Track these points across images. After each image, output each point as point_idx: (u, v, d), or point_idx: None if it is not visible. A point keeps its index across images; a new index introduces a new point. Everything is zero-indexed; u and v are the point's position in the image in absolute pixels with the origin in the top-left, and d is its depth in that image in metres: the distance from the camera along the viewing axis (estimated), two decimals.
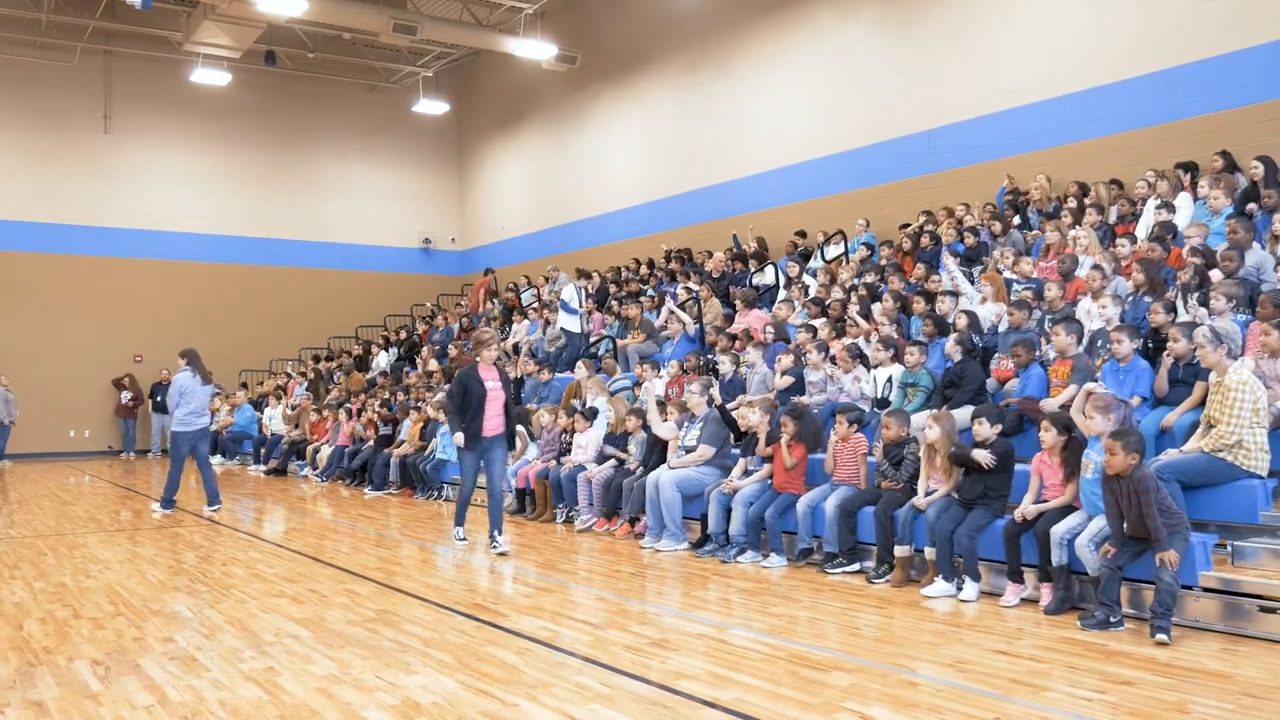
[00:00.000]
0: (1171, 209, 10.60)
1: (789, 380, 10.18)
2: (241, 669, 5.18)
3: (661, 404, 10.24)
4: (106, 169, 23.43)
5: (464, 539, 9.39)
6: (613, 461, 10.47)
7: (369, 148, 26.62)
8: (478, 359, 9.23)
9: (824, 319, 11.33)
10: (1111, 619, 5.75)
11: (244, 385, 22.42)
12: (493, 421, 9.05)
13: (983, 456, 6.88)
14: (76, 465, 20.24)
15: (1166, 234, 9.94)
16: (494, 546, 8.97)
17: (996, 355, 9.02)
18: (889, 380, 9.21)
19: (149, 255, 23.65)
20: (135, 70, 23.65)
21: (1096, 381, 7.44)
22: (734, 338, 12.16)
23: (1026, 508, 6.56)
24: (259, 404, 20.67)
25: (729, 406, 9.63)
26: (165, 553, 9.17)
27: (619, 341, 14.86)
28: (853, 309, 11.32)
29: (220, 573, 8.13)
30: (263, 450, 18.93)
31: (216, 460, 19.58)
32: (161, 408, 21.12)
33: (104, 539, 10.10)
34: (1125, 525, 5.83)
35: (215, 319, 23.92)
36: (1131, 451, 5.78)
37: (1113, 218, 11.61)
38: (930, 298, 10.62)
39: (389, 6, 19.86)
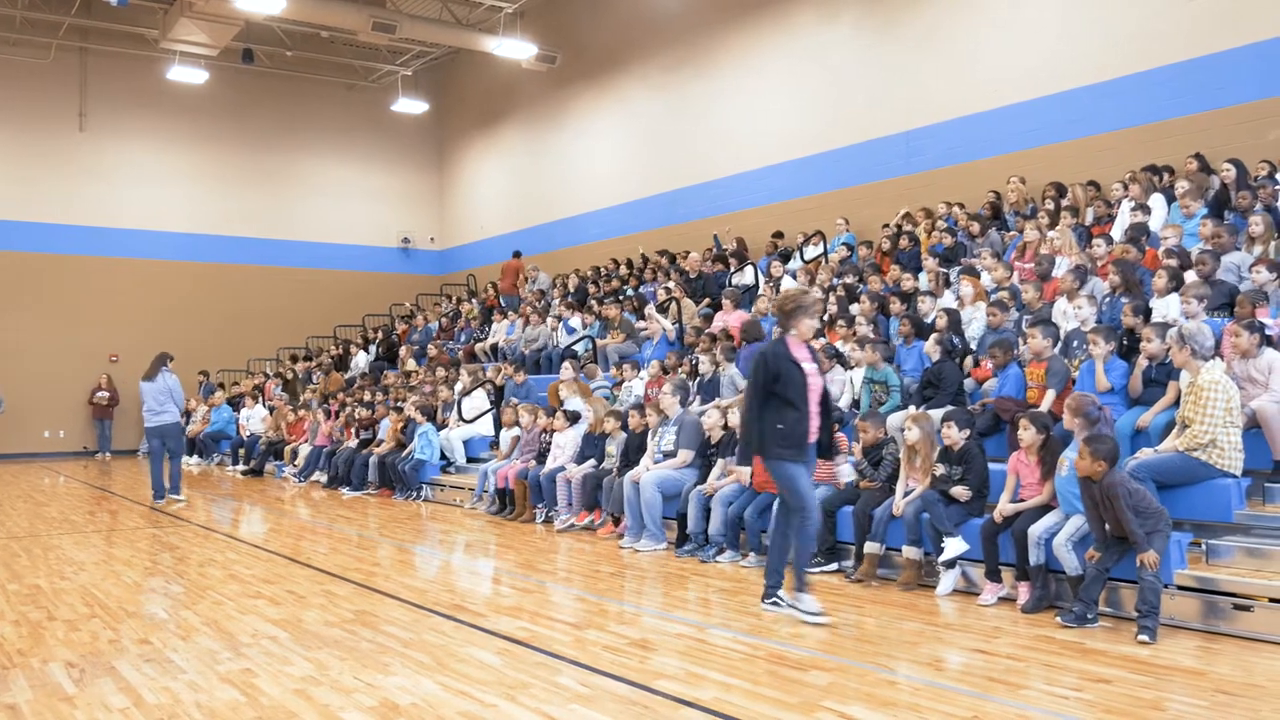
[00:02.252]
0: (1146, 210, 10.69)
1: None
2: (218, 670, 5.15)
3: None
4: (82, 167, 23.21)
5: (786, 605, 6.31)
6: (591, 461, 10.46)
7: (348, 147, 26.50)
8: (789, 331, 6.48)
9: None
10: (1089, 616, 5.79)
11: (221, 385, 22.27)
12: (814, 422, 6.40)
13: (960, 494, 6.90)
14: (51, 466, 20.06)
15: (1141, 235, 10.02)
16: (800, 612, 6.17)
17: (974, 355, 9.08)
18: (863, 379, 9.25)
19: (125, 254, 23.46)
20: (111, 68, 23.44)
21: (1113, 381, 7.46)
22: (714, 338, 12.17)
23: (1004, 507, 6.61)
24: (236, 404, 20.53)
25: (707, 406, 9.66)
26: (141, 554, 9.10)
27: (598, 341, 14.86)
28: (830, 309, 11.36)
29: (197, 574, 8.08)
30: (240, 450, 18.81)
31: (194, 460, 19.47)
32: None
33: (79, 540, 10.01)
34: (1106, 526, 5.88)
35: (192, 318, 23.75)
36: (1099, 459, 5.81)
37: (1089, 219, 11.70)
38: (907, 298, 10.67)
39: (368, 5, 19.79)
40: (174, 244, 24.09)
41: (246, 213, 25.06)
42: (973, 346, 9.44)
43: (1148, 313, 8.12)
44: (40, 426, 22.36)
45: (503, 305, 19.86)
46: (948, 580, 6.81)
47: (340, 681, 4.93)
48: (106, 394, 22.64)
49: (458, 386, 15.40)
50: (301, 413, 18.02)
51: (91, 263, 23.08)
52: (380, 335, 22.44)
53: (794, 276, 14.11)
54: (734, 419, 8.81)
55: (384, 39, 20.66)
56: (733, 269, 15.29)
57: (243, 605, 6.76)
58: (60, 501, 13.66)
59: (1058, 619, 5.90)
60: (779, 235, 16.11)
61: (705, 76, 18.83)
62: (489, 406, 14.16)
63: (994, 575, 6.58)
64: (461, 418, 14.23)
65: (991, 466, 7.19)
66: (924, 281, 11.30)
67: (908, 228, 13.73)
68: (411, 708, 4.51)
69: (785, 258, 15.31)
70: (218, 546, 9.59)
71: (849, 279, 12.59)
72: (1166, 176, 11.48)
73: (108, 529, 10.92)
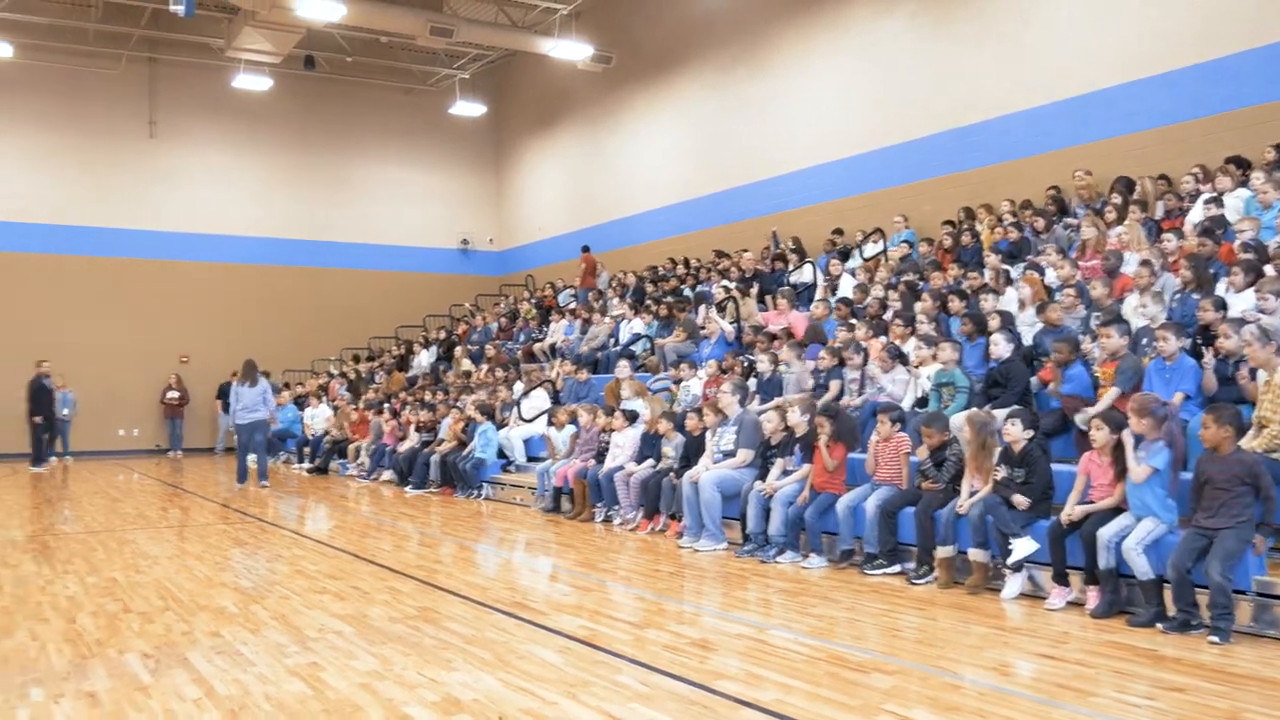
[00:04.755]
0: (1220, 203, 10.42)
1: (812, 381, 10.17)
2: (286, 663, 5.23)
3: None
4: (152, 173, 23.79)
5: None
6: (650, 461, 10.46)
7: (407, 150, 26.81)
8: None
9: (858, 319, 11.26)
10: (1191, 622, 5.63)
11: (287, 385, 22.65)
12: None
13: (1019, 503, 6.78)
14: (126, 463, 20.55)
15: (1216, 228, 9.76)
16: None
17: (1038, 354, 8.91)
18: (927, 380, 9.13)
19: (194, 258, 23.99)
20: (179, 76, 23.98)
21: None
22: (773, 337, 12.11)
23: (1073, 509, 6.47)
24: (301, 403, 20.88)
25: (767, 406, 9.61)
26: (213, 549, 9.28)
27: (657, 341, 14.86)
28: (892, 308, 11.24)
29: (265, 569, 8.22)
30: (306, 449, 19.13)
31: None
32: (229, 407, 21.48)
33: (153, 535, 10.24)
34: (1201, 514, 5.72)
35: (258, 320, 24.22)
36: (1224, 424, 5.72)
37: (1159, 213, 11.43)
38: (967, 296, 10.52)
39: (425, 10, 19.98)
40: (240, 247, 24.58)
41: (310, 216, 25.48)
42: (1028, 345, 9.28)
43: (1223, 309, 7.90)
44: (115, 425, 22.93)
45: (577, 300, 19.92)
46: (1014, 583, 6.70)
47: (404, 677, 4.98)
48: (177, 394, 23.14)
49: (517, 386, 15.52)
50: (365, 412, 18.25)
51: (161, 266, 23.63)
52: (441, 335, 22.67)
53: (853, 274, 14.00)
54: (794, 418, 8.76)
55: (441, 43, 20.86)
56: (791, 267, 15.20)
57: (309, 600, 6.87)
58: (135, 498, 13.99)
59: (1152, 626, 5.76)
60: (838, 232, 15.99)
61: (760, 74, 18.74)
62: (548, 406, 14.23)
63: (1061, 579, 6.45)
64: (521, 417, 14.32)
65: (1057, 468, 7.06)
66: (987, 278, 11.13)
67: (969, 224, 13.54)
68: (473, 704, 4.55)
69: (844, 255, 15.20)
70: (285, 542, 9.76)
71: (909, 277, 12.45)
72: (1242, 169, 11.15)
73: (180, 524, 11.16)
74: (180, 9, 16.37)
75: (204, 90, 24.00)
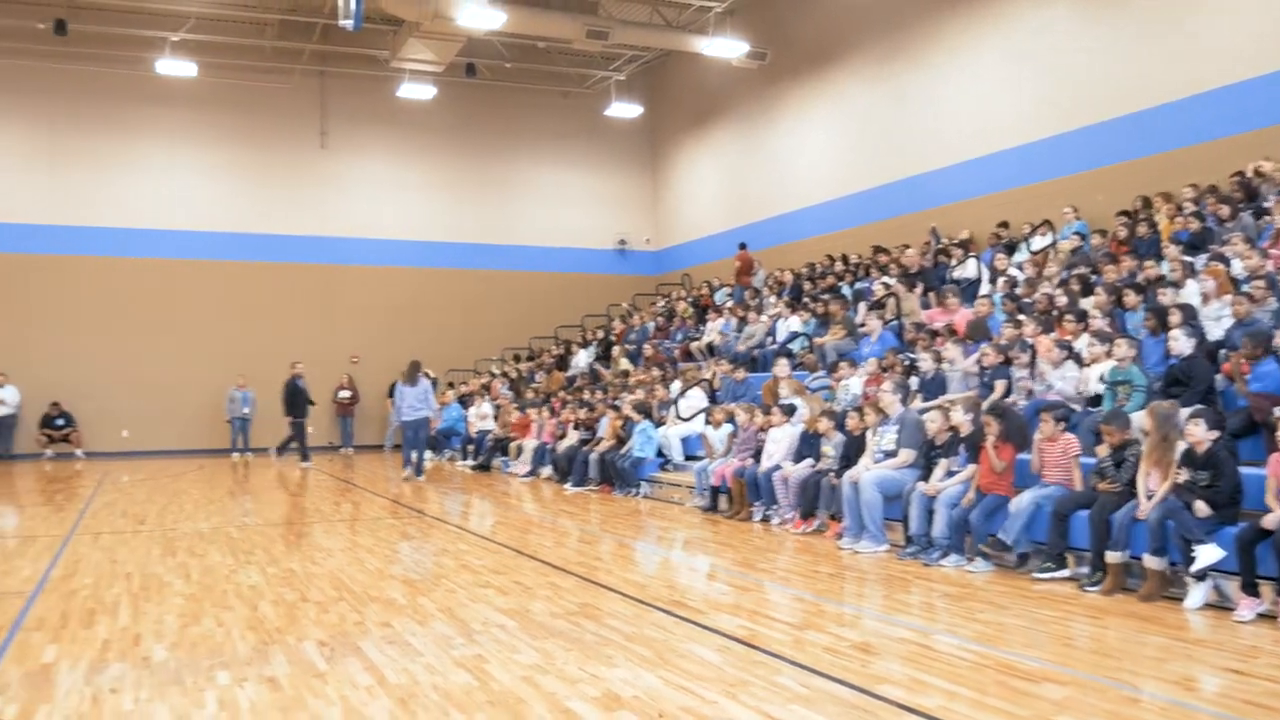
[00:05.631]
0: None
1: (975, 378, 9.83)
2: (453, 655, 5.40)
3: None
4: (323, 182, 24.95)
5: None
6: (809, 461, 10.34)
7: (564, 152, 27.28)
8: None
9: (1025, 315, 10.85)
10: None
11: (450, 385, 23.37)
12: None
13: (1200, 510, 6.40)
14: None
15: None
16: None
17: (1224, 351, 8.41)
18: (1100, 378, 8.73)
19: (363, 262, 25.04)
20: (347, 88, 25.07)
21: None
22: (935, 334, 11.80)
23: (1270, 516, 6.04)
24: (465, 402, 21.51)
25: (930, 405, 9.37)
26: (382, 543, 9.66)
27: (815, 339, 14.69)
28: (1060, 303, 10.79)
29: (432, 563, 8.51)
30: (469, 446, 19.71)
31: (427, 455, 20.49)
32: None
33: (327, 529, 10.73)
34: None
35: (423, 321, 25.08)
36: None
37: None
38: (1143, 289, 10.00)
39: (581, 14, 20.28)
40: (406, 251, 25.50)
41: (472, 219, 26.23)
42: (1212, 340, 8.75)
43: None
44: None
45: (733, 298, 19.90)
46: (1198, 593, 6.33)
47: (565, 671, 5.07)
48: (348, 393, 24.16)
49: (674, 385, 15.59)
50: (526, 410, 18.66)
51: (333, 271, 24.75)
52: (599, 335, 22.99)
53: (1020, 269, 13.52)
54: (958, 418, 8.52)
55: (597, 46, 21.13)
56: (954, 262, 14.78)
57: (474, 594, 7.06)
58: (310, 493, 14.69)
59: None
60: (1004, 225, 15.45)
61: (919, 65, 18.28)
62: (705, 405, 14.25)
63: (1251, 589, 6.06)
64: (679, 416, 14.38)
65: (1246, 471, 6.64)
66: (1166, 270, 10.57)
67: (1145, 214, 12.87)
68: (634, 700, 4.59)
69: (1010, 249, 14.68)
70: (450, 537, 10.07)
71: (1080, 270, 11.93)
72: None
73: (351, 518, 11.66)
74: (349, 24, 17.08)
75: (371, 100, 25.02)
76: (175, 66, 21.80)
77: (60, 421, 21.86)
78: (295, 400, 19.54)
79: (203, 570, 8.12)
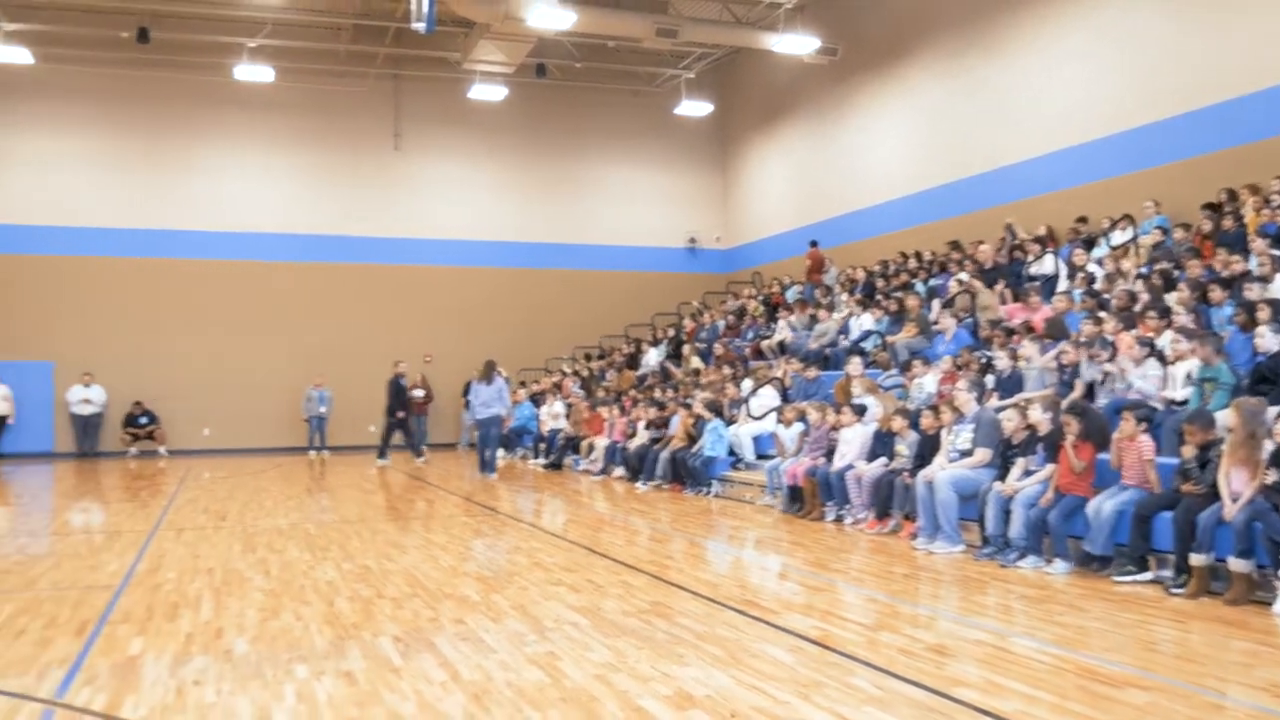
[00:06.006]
0: None
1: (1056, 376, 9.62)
2: (525, 652, 5.44)
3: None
4: (397, 184, 25.32)
5: None
6: (882, 460, 10.23)
7: (634, 151, 27.33)
8: None
9: (1106, 311, 10.60)
10: None
11: (522, 383, 23.57)
12: None
13: None
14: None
15: None
16: None
17: None
18: (1187, 376, 8.50)
19: (435, 262, 25.36)
20: (420, 91, 25.41)
21: None
22: (1011, 331, 11.59)
23: None
24: (537, 401, 21.67)
25: (1006, 403, 9.21)
26: (456, 540, 9.78)
27: (888, 337, 14.52)
28: (1143, 299, 10.53)
29: (505, 560, 8.59)
30: (541, 445, 19.85)
31: (500, 453, 20.69)
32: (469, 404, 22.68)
33: (401, 526, 10.90)
34: None
35: (495, 320, 25.33)
36: None
37: None
38: (1229, 284, 9.70)
39: (651, 12, 20.28)
40: (478, 251, 25.77)
41: (542, 219, 26.41)
42: None
43: None
44: (366, 421, 24.44)
45: (804, 296, 19.76)
46: None
47: (638, 670, 5.08)
48: (422, 391, 24.48)
49: (745, 384, 15.53)
50: (597, 409, 18.74)
51: (406, 271, 25.11)
52: (669, 334, 22.99)
53: (1099, 264, 13.22)
54: (1036, 416, 8.36)
55: (667, 44, 21.12)
56: (1030, 258, 14.49)
57: (546, 591, 7.11)
58: (384, 490, 14.92)
59: None
60: (1082, 220, 15.11)
61: (995, 57, 17.95)
62: (777, 403, 14.17)
63: None
64: (750, 414, 14.32)
65: None
66: (1254, 265, 10.25)
67: (1231, 206, 12.49)
68: (706, 700, 4.58)
69: (1088, 244, 14.36)
70: (522, 535, 10.16)
71: (1163, 265, 11.62)
72: None
73: (425, 516, 11.82)
74: (422, 26, 17.29)
75: (443, 102, 25.32)
76: (253, 71, 22.31)
77: (144, 420, 22.51)
78: (399, 397, 19.95)
79: (281, 566, 8.30)
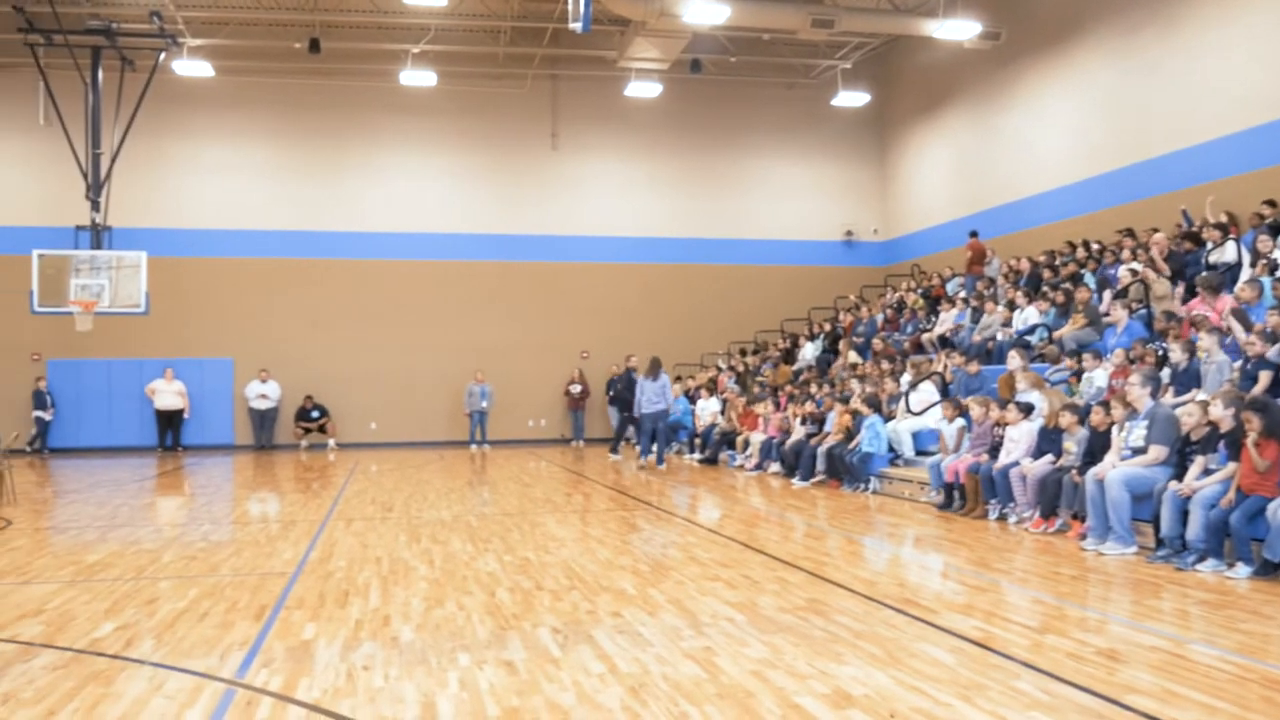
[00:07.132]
0: None
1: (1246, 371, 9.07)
2: (682, 646, 5.50)
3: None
4: (555, 183, 25.85)
5: None
6: (1049, 457, 9.88)
7: (790, 144, 27.10)
8: None
9: None
10: None
11: (677, 379, 23.72)
12: None
13: None
14: (535, 452, 22.46)
15: None
16: None
17: None
18: None
19: (591, 259, 25.77)
20: (577, 90, 25.86)
21: None
22: (1194, 324, 11.00)
23: None
24: (692, 396, 21.77)
25: (1183, 399, 8.77)
26: (612, 534, 9.93)
27: (1054, 331, 14.00)
28: None
29: (660, 554, 8.67)
30: (696, 440, 19.94)
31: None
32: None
33: (559, 519, 11.13)
34: None
35: (650, 316, 25.58)
36: None
37: None
38: None
39: (806, 3, 20.07)
40: (632, 247, 26.05)
41: (697, 214, 26.49)
42: None
43: None
44: (525, 416, 25.14)
45: (965, 288, 19.25)
46: None
47: (794, 667, 5.07)
48: (579, 387, 24.93)
49: (904, 378, 15.23)
50: (753, 404, 18.69)
51: (562, 268, 25.60)
52: (826, 328, 22.72)
53: None
54: (1217, 412, 7.93)
55: (823, 35, 20.87)
56: (1210, 245, 13.70)
57: (702, 587, 7.16)
58: (543, 484, 15.26)
59: None
60: (1269, 204, 14.20)
61: (1172, 33, 17.02)
62: (937, 399, 13.85)
63: None
64: (909, 410, 14.04)
65: None
66: None
67: None
68: (864, 699, 4.54)
69: (1275, 230, 13.49)
70: (678, 530, 10.24)
71: None
72: None
73: (582, 510, 12.04)
74: (578, 26, 17.59)
75: (599, 101, 25.71)
76: (417, 76, 23.18)
77: (315, 414, 23.65)
78: (631, 392, 20.33)
79: (445, 556, 8.60)
